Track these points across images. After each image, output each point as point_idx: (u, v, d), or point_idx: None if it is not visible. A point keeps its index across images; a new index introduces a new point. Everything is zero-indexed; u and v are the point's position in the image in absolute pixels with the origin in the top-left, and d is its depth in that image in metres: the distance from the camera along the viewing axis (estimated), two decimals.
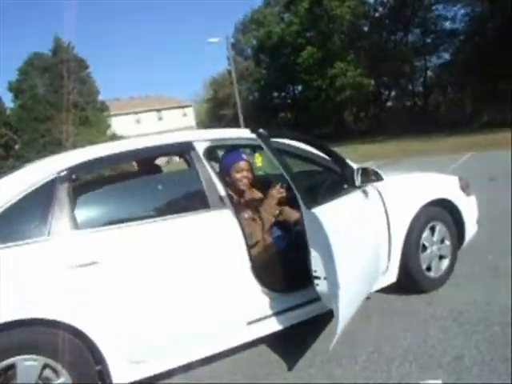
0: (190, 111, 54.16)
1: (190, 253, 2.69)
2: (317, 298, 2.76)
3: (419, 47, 30.89)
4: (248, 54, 40.57)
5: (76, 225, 2.51)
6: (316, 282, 2.59)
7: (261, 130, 2.63)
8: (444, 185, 3.88)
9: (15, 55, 60.88)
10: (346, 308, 2.52)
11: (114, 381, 2.53)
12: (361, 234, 2.89)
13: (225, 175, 3.22)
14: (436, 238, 3.64)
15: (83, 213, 2.59)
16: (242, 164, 3.25)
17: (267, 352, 3.06)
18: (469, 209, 3.90)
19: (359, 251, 2.80)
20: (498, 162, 10.65)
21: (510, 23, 22.98)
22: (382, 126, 28.25)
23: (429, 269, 3.60)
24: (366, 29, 31.07)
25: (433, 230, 3.63)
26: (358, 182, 3.06)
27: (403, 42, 31.39)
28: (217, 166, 3.20)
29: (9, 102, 36.77)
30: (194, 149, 2.89)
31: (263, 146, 2.59)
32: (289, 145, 3.17)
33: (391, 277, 3.45)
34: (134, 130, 39.74)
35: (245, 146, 3.53)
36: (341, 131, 30.28)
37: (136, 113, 49.80)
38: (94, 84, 38.21)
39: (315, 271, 2.57)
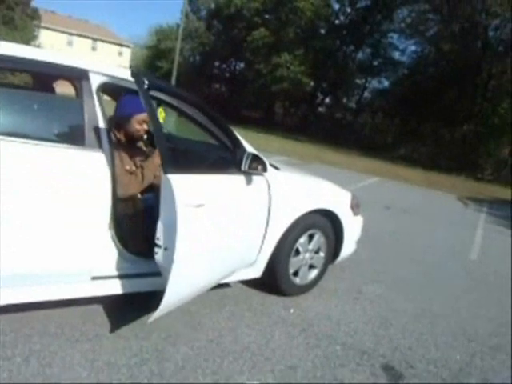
0: (127, 52, 51.51)
1: (47, 188, 2.37)
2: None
3: (365, 67, 31.85)
4: (203, 16, 39.23)
5: None
6: (156, 250, 2.45)
7: (143, 77, 2.41)
8: (336, 197, 3.86)
9: None
10: (177, 285, 2.37)
11: None
12: (227, 217, 2.78)
13: (123, 121, 2.95)
14: (312, 246, 3.63)
15: None
16: (144, 116, 2.99)
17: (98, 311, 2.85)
18: (352, 227, 3.93)
19: (218, 234, 2.68)
20: (400, 192, 11.25)
21: (451, 73, 24.44)
22: (308, 127, 28.81)
23: (296, 274, 3.58)
24: (322, 31, 31.33)
25: (311, 237, 3.61)
26: (244, 166, 2.90)
27: (352, 56, 32.16)
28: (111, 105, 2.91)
29: None
30: (87, 79, 2.56)
31: (140, 93, 2.37)
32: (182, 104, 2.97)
33: (257, 271, 3.37)
34: (63, 51, 37.03)
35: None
36: (269, 120, 30.44)
37: (70, 34, 46.41)
38: None
39: (158, 239, 2.42)
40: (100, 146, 2.52)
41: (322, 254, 3.74)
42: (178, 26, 29.78)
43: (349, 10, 31.63)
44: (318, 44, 28.71)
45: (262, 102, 32.35)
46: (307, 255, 3.62)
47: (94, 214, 2.52)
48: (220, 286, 3.29)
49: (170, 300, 2.39)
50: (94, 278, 2.64)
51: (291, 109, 33.04)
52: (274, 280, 3.48)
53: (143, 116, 2.96)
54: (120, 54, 50.82)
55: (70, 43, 45.82)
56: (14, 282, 2.38)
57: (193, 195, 2.43)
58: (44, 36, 38.16)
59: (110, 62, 43.79)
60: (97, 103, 2.57)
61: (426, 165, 19.99)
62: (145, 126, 3.05)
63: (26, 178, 2.31)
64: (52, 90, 3.12)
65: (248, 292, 3.53)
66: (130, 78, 2.71)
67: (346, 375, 2.62)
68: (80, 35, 46.95)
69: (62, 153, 2.42)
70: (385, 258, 5.11)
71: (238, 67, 38.51)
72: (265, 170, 3.08)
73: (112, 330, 2.68)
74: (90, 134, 2.50)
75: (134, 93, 2.61)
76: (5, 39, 2.59)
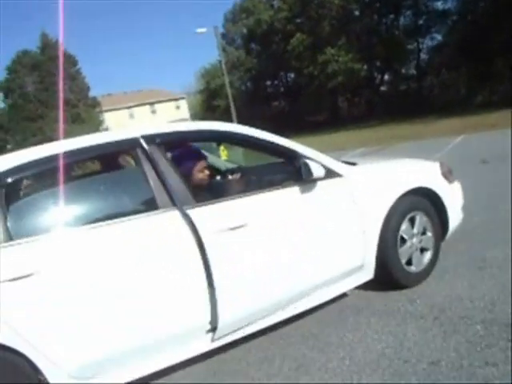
0: (183, 103, 53.78)
1: (138, 258, 2.46)
2: None
3: (411, 30, 30.45)
4: (239, 44, 40.00)
5: (9, 235, 2.28)
6: None
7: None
8: (424, 172, 3.65)
9: (3, 54, 60.20)
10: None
11: None
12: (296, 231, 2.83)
13: (187, 177, 3.00)
14: (416, 229, 3.42)
15: (18, 221, 2.36)
16: (203, 163, 3.06)
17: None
18: (452, 196, 3.66)
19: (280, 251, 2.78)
20: (491, 143, 10.42)
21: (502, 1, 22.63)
22: (376, 110, 27.94)
23: (409, 263, 3.38)
24: (356, 13, 30.55)
25: (412, 221, 3.40)
26: (304, 175, 2.85)
27: (395, 24, 30.94)
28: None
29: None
30: (140, 146, 2.64)
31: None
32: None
33: (368, 273, 3.24)
34: (128, 125, 39.35)
35: (203, 140, 3.31)
36: (335, 118, 29.95)
37: (129, 107, 49.46)
38: (84, 80, 37.83)
39: None
40: (174, 203, 2.56)
41: (429, 234, 3.51)
42: (220, 62, 30.62)
43: None
44: (357, 27, 28.01)
45: (323, 102, 31.98)
46: (414, 240, 3.41)
47: (187, 266, 2.56)
48: (336, 298, 3.20)
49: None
50: (208, 331, 2.68)
51: (354, 99, 32.32)
52: (389, 276, 3.31)
53: (202, 163, 3.03)
54: (177, 107, 53.17)
55: (131, 115, 48.76)
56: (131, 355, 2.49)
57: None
58: (108, 118, 40.90)
59: (171, 118, 46.06)
60: (158, 163, 2.62)
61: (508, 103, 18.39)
62: (207, 172, 3.10)
63: (125, 256, 2.43)
64: (119, 167, 3.27)
65: (367, 296, 3.38)
66: (182, 129, 2.79)
67: (498, 356, 2.36)
68: (138, 105, 49.83)
69: (143, 220, 2.51)
70: (496, 217, 4.69)
71: (289, 78, 38.60)
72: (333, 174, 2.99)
73: None
74: (159, 195, 2.55)
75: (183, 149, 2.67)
76: (77, 135, 2.76)
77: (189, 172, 3.01)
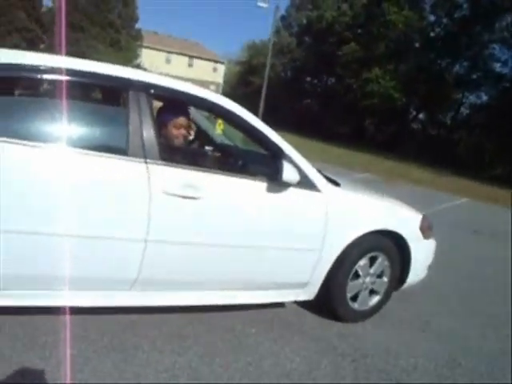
0: (220, 68, 53.52)
1: (88, 194, 2.39)
2: None
3: (462, 80, 30.11)
4: (294, 32, 39.57)
5: None
6: None
7: None
8: (402, 218, 3.56)
9: None
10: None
11: None
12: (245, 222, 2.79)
13: (162, 128, 2.92)
14: (374, 270, 3.36)
15: None
16: (182, 120, 2.99)
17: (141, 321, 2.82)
18: (422, 252, 3.59)
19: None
20: (489, 216, 10.36)
21: None
22: (399, 144, 27.73)
23: (354, 299, 3.33)
24: (416, 45, 30.17)
25: (373, 260, 3.35)
26: (280, 176, 2.75)
27: (448, 69, 30.56)
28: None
29: (48, 1, 35.98)
30: (134, 89, 2.56)
31: None
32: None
33: (309, 293, 3.19)
34: (161, 68, 39.20)
35: (198, 107, 3.23)
36: (358, 136, 29.74)
37: (169, 52, 49.12)
38: (135, 10, 37.42)
39: None
40: (144, 155, 2.49)
41: (385, 279, 3.45)
42: (269, 41, 30.31)
43: (445, 20, 30.18)
44: (411, 58, 27.67)
45: (351, 117, 31.77)
46: (368, 279, 3.35)
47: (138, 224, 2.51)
48: (273, 305, 3.16)
49: None
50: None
51: (382, 125, 32.07)
52: (329, 303, 3.27)
53: (180, 120, 2.96)
54: (215, 69, 52.94)
55: (168, 61, 48.47)
56: None
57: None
58: (145, 55, 40.63)
59: (205, 78, 45.80)
60: (144, 112, 2.56)
61: None
62: (182, 131, 3.03)
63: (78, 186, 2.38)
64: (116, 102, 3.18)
65: (303, 314, 3.34)
66: (177, 87, 2.71)
67: None
68: (178, 53, 49.51)
69: (106, 161, 2.44)
70: (466, 287, 4.65)
71: (329, 82, 38.27)
72: (314, 188, 2.92)
73: (150, 342, 2.63)
74: (133, 143, 2.48)
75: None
76: (110, 60, 2.69)
77: (164, 124, 2.97)
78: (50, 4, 35.79)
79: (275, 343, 2.87)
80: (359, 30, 30.47)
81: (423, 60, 28.55)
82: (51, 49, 32.64)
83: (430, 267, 3.76)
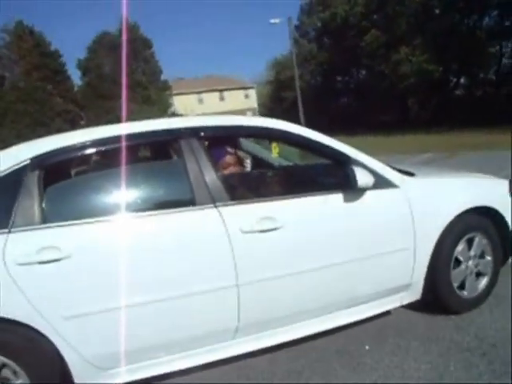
0: (252, 93, 54.08)
1: (170, 253, 2.40)
2: None
3: (495, 31, 28.60)
4: (312, 37, 39.41)
5: (43, 217, 2.28)
6: None
7: None
8: (490, 190, 3.34)
9: (85, 35, 62.87)
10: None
11: None
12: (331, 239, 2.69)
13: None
14: (474, 251, 3.14)
15: (54, 204, 2.35)
16: (228, 159, 2.97)
17: None
18: None
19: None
20: None
21: None
22: (448, 115, 26.59)
23: (462, 287, 3.11)
24: (437, 11, 29.10)
25: (470, 242, 3.13)
26: (354, 182, 2.63)
27: (477, 25, 29.21)
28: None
29: (77, 79, 38.01)
30: (183, 137, 2.56)
31: None
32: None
33: (415, 293, 3.02)
34: (196, 110, 40.13)
35: (248, 136, 3.18)
36: (403, 119, 28.86)
37: (198, 92, 50.27)
38: (157, 63, 38.80)
39: None
40: (213, 200, 2.47)
41: (488, 258, 3.22)
42: (291, 54, 30.36)
43: None
44: (435, 26, 26.67)
45: (393, 102, 30.92)
46: (470, 263, 3.14)
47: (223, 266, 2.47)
48: (379, 315, 3.00)
49: None
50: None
51: (425, 101, 30.99)
52: (437, 299, 3.07)
53: (227, 159, 3.05)
54: (246, 96, 53.58)
55: (200, 101, 49.58)
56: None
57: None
58: (177, 101, 41.80)
59: (239, 107, 46.44)
60: (200, 156, 2.54)
61: None
62: (231, 169, 3.08)
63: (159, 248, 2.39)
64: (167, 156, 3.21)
65: (412, 316, 3.15)
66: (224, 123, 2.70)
67: None
68: (207, 91, 50.57)
69: (180, 215, 2.44)
70: None
71: (360, 75, 37.68)
72: (389, 184, 2.78)
73: None
74: (198, 191, 2.47)
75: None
76: (146, 115, 2.78)
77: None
78: (80, 82, 37.70)
79: (394, 355, 2.71)
80: (375, 16, 29.92)
81: (448, 24, 27.51)
82: (91, 123, 34.36)
83: None
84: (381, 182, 2.79)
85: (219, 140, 3.08)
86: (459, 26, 28.12)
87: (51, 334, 2.24)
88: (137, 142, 2.60)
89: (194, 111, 37.48)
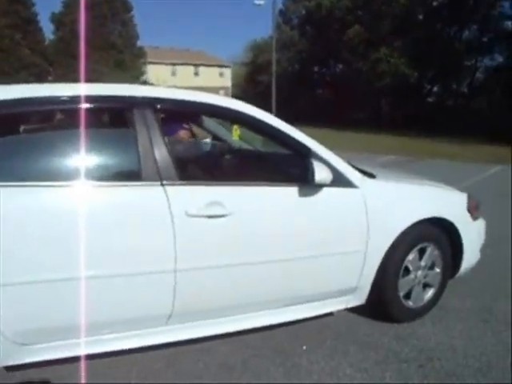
0: (227, 72, 53.42)
1: (109, 227, 2.21)
2: None
3: (473, 45, 29.14)
4: (295, 24, 39.07)
5: None
6: None
7: None
8: (448, 202, 3.30)
9: None
10: None
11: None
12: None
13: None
14: (424, 262, 3.10)
15: None
16: (182, 133, 2.80)
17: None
18: (472, 234, 3.32)
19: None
20: None
21: None
22: (419, 120, 27.00)
23: (407, 296, 3.06)
24: (420, 17, 29.34)
25: (422, 252, 3.08)
26: (311, 177, 2.49)
27: (457, 37, 29.65)
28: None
29: (49, 33, 36.42)
30: (139, 107, 2.35)
31: None
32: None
33: (359, 298, 2.94)
34: (168, 81, 39.31)
35: (207, 115, 2.99)
36: (375, 119, 29.13)
37: (173, 64, 49.23)
38: (134, 28, 37.58)
39: None
40: (160, 177, 2.29)
41: (437, 270, 3.19)
42: (271, 38, 30.00)
43: None
44: (417, 31, 26.89)
45: (366, 101, 31.13)
46: (419, 273, 3.09)
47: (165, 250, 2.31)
48: (321, 315, 2.91)
49: None
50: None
51: (397, 104, 31.33)
52: (382, 306, 3.02)
53: (181, 134, 2.96)
54: (221, 74, 52.93)
55: (173, 73, 48.58)
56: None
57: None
58: (150, 71, 40.77)
59: (213, 84, 45.82)
60: (153, 130, 2.35)
61: None
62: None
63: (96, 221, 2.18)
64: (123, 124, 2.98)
65: (353, 320, 3.09)
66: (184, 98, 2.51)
67: None
68: (182, 64, 49.58)
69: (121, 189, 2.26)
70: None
71: (337, 69, 37.69)
72: (342, 181, 2.69)
73: (195, 378, 2.42)
74: (146, 167, 2.28)
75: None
76: (117, 80, 2.56)
77: None
78: (52, 36, 36.16)
79: (331, 359, 2.63)
80: (360, 12, 29.85)
81: (430, 31, 27.77)
82: (59, 80, 32.94)
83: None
84: (340, 180, 2.68)
85: (177, 115, 2.88)
86: (440, 35, 28.46)
87: None
88: (88, 105, 2.37)
89: (166, 82, 36.67)
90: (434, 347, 2.77)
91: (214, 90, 43.85)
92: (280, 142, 2.74)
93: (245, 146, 3.76)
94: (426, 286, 3.16)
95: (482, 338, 2.88)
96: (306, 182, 2.54)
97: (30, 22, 34.04)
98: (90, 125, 2.33)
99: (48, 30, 37.25)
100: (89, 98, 2.32)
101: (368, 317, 3.10)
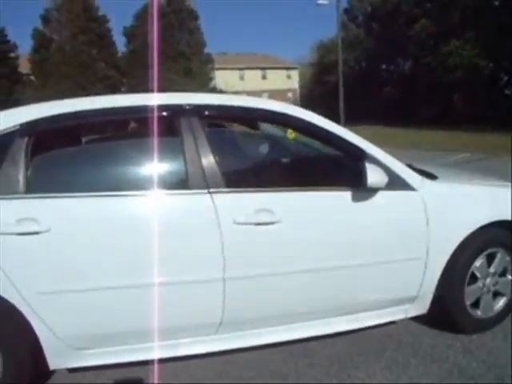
0: (294, 74, 53.39)
1: (157, 236, 2.21)
2: None
3: None
4: (360, 22, 38.28)
5: (27, 187, 2.15)
6: None
7: None
8: None
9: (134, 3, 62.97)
10: None
11: (51, 366, 2.26)
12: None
13: None
14: (494, 268, 2.87)
15: (39, 175, 2.22)
16: None
17: None
18: None
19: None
20: None
21: None
22: (496, 114, 25.44)
23: (475, 305, 2.85)
24: (496, 3, 27.63)
25: (491, 258, 2.86)
26: (368, 181, 2.37)
27: None
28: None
29: (121, 47, 38.18)
30: (185, 115, 2.36)
31: None
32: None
33: (421, 307, 2.78)
34: (236, 86, 39.89)
35: (257, 120, 2.93)
36: (448, 115, 27.80)
37: (240, 69, 49.93)
38: (201, 36, 38.50)
39: None
40: (207, 185, 2.28)
41: (509, 277, 2.94)
42: (337, 37, 29.57)
43: None
44: (492, 19, 25.32)
45: (437, 97, 29.82)
46: (488, 280, 2.86)
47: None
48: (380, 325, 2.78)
49: None
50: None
51: (471, 98, 29.74)
52: (446, 315, 2.83)
53: None
54: (288, 76, 52.98)
55: (241, 77, 49.28)
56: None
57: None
58: (218, 76, 41.58)
59: (281, 86, 45.94)
60: (199, 137, 2.35)
61: None
62: None
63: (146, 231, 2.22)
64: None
65: (417, 330, 2.92)
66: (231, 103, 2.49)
67: None
68: (250, 68, 50.14)
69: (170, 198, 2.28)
70: None
71: (406, 66, 36.48)
72: (399, 184, 2.54)
73: None
74: (193, 174, 2.29)
75: None
76: (186, 87, 2.62)
77: None
78: (124, 49, 37.88)
79: (389, 372, 2.49)
80: (428, 4, 28.65)
81: (506, 18, 26.08)
82: (131, 90, 34.50)
83: None
84: (397, 183, 2.55)
85: (225, 120, 2.87)
86: None
87: (24, 308, 2.13)
88: (134, 115, 2.43)
89: (234, 87, 37.22)
90: (505, 364, 2.54)
91: (281, 93, 43.99)
92: (332, 144, 2.65)
93: (301, 148, 3.67)
94: (496, 294, 2.92)
95: None
96: (360, 186, 2.43)
97: (103, 37, 35.85)
98: (139, 135, 2.38)
99: (120, 44, 39.07)
100: (137, 109, 2.37)
101: (434, 327, 2.91)
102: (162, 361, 2.39)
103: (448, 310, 2.78)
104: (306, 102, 37.96)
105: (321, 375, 2.47)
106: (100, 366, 2.33)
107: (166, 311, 2.27)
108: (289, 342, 2.57)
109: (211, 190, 2.27)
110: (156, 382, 2.29)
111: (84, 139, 2.84)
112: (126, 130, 2.65)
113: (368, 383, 2.40)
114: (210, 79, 39.64)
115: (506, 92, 29.78)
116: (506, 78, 29.64)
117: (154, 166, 2.39)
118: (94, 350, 2.31)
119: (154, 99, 2.44)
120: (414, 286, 2.68)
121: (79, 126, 2.51)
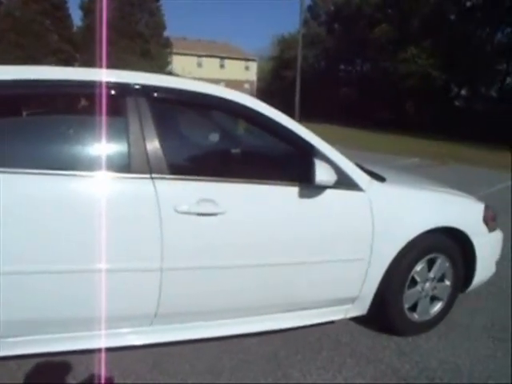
0: (252, 65, 53.22)
1: (93, 220, 2.07)
2: None
3: (506, 49, 28.31)
4: (322, 20, 38.61)
5: None
6: None
7: None
8: (463, 211, 3.09)
9: None
10: None
11: None
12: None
13: None
14: (433, 273, 2.91)
15: None
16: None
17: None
18: (487, 247, 3.11)
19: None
20: None
21: None
22: (445, 123, 26.37)
23: (413, 309, 2.88)
24: (452, 17, 28.62)
25: (431, 263, 2.89)
26: (316, 178, 2.32)
27: (489, 39, 28.86)
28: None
29: (77, 20, 36.73)
30: (133, 95, 2.22)
31: None
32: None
33: (361, 308, 2.78)
34: (194, 73, 39.34)
35: (209, 108, 2.81)
36: (400, 120, 28.57)
37: (199, 56, 49.23)
38: (162, 18, 37.63)
39: None
40: (150, 169, 2.16)
41: (447, 283, 3.00)
42: (298, 33, 29.62)
43: None
44: (448, 32, 26.20)
45: (391, 101, 30.57)
46: (427, 285, 2.90)
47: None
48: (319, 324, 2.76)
49: None
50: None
51: (423, 106, 30.68)
52: (384, 317, 2.85)
53: None
54: (247, 68, 52.77)
55: (199, 64, 48.60)
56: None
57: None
58: (176, 61, 40.84)
59: (238, 77, 45.68)
60: (145, 119, 2.22)
61: None
62: None
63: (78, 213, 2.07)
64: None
65: (354, 330, 2.93)
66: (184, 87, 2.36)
67: None
68: (208, 56, 49.54)
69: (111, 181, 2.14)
70: None
71: (364, 68, 37.16)
72: (347, 183, 2.52)
73: (180, 380, 2.30)
74: (135, 157, 2.15)
75: None
76: (142, 69, 2.44)
77: None
78: (80, 23, 36.45)
79: (325, 371, 2.48)
80: (390, 10, 29.27)
81: (461, 33, 27.07)
82: (85, 66, 33.18)
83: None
84: (345, 182, 2.51)
85: (176, 105, 2.72)
86: (471, 37, 27.72)
87: None
88: (80, 90, 2.26)
89: (191, 74, 36.67)
90: (437, 366, 2.58)
91: (238, 83, 43.71)
92: (284, 138, 2.57)
93: (251, 140, 3.59)
94: (433, 298, 2.97)
95: (490, 359, 2.69)
96: (307, 182, 2.38)
97: (58, 8, 34.33)
98: (83, 112, 2.22)
99: (77, 17, 37.58)
100: (83, 84, 2.21)
101: (372, 328, 2.93)
102: (91, 351, 2.27)
103: (386, 312, 2.80)
104: (263, 94, 37.88)
105: (256, 373, 2.42)
106: (25, 355, 2.17)
107: (100, 300, 2.14)
108: (225, 337, 2.50)
109: (154, 175, 2.15)
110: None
111: (25, 112, 2.64)
112: (71, 105, 2.46)
113: (302, 383, 2.36)
114: (168, 63, 38.87)
115: (456, 103, 30.95)
116: (456, 90, 30.80)
117: (96, 147, 2.23)
118: (19, 338, 2.15)
119: (102, 75, 2.28)
120: (356, 287, 2.67)
121: (20, 96, 2.30)
